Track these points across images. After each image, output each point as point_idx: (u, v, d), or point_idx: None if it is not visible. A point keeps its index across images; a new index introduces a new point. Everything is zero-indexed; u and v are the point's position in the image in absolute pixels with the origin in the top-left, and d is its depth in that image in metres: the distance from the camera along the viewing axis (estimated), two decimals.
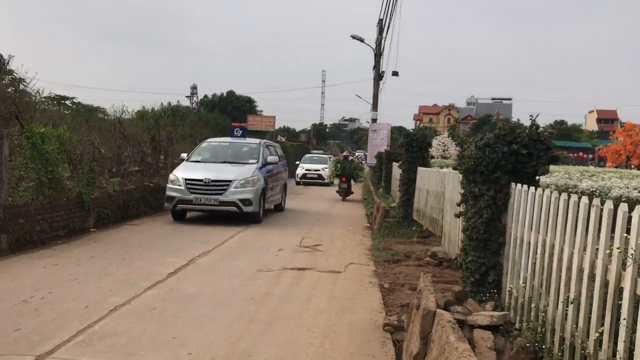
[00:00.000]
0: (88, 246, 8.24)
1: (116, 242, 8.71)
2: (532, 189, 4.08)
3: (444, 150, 41.12)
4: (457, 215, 5.49)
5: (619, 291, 2.81)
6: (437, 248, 7.93)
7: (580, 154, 65.80)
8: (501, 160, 4.50)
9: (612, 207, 2.96)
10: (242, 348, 4.24)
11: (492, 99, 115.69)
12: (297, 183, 26.70)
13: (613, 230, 2.87)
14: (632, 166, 46.74)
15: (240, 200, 10.96)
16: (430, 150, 12.77)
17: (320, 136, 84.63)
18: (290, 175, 27.90)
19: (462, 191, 5.00)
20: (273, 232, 10.50)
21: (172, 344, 4.27)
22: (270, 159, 12.80)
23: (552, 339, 3.49)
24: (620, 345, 2.70)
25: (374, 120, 26.82)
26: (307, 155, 32.80)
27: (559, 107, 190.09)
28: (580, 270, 3.24)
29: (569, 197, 3.46)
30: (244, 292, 5.90)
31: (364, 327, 4.95)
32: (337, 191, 19.42)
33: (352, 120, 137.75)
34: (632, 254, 2.64)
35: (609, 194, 11.96)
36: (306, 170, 27.38)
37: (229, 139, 14.25)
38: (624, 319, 2.67)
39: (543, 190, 3.89)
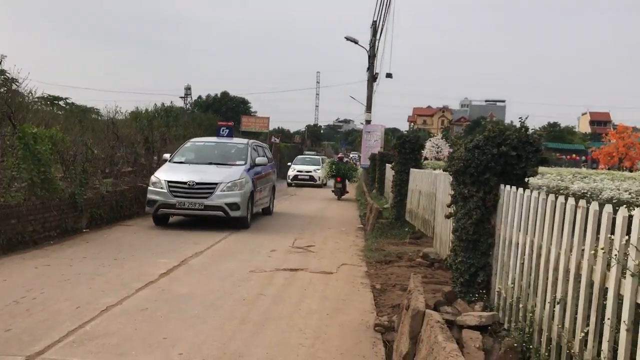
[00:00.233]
0: (80, 247, 8.24)
1: (109, 242, 8.70)
2: (520, 190, 4.12)
3: (437, 152, 41.29)
4: (447, 217, 5.54)
5: (604, 291, 2.85)
6: (429, 249, 7.97)
7: (573, 155, 66.16)
8: (490, 162, 4.54)
9: (598, 209, 3.00)
10: (233, 349, 4.26)
11: (486, 101, 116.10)
12: (289, 184, 26.54)
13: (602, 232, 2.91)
14: (624, 168, 47.05)
15: (227, 204, 10.36)
16: (423, 152, 12.81)
17: (315, 137, 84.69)
18: (285, 177, 27.95)
19: (452, 192, 5.04)
20: (263, 237, 10.50)
21: (163, 344, 4.28)
22: (258, 160, 12.17)
23: (540, 339, 3.53)
24: (605, 345, 2.74)
25: (368, 122, 26.84)
26: (299, 156, 32.53)
27: (553, 109, 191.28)
28: (567, 271, 3.28)
29: (556, 198, 3.50)
30: (235, 293, 5.92)
31: (355, 327, 4.98)
32: (333, 191, 20.70)
33: (346, 121, 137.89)
34: (615, 255, 2.68)
35: (600, 196, 12.05)
36: (297, 171, 27.22)
37: (214, 139, 13.41)
38: (608, 318, 2.71)
39: (531, 192, 3.94)
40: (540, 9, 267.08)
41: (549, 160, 4.96)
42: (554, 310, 3.37)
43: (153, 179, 10.72)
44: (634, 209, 2.62)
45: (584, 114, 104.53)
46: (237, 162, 11.58)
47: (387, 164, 16.70)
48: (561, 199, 3.43)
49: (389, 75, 28.55)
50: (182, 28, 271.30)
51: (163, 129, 16.94)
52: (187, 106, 65.87)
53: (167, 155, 12.08)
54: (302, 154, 35.56)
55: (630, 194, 12.11)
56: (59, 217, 8.92)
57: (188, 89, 69.63)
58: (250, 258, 7.92)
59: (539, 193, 3.82)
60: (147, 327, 4.66)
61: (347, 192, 21.09)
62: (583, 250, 3.10)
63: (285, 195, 20.95)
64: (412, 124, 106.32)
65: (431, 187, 8.81)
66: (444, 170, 5.85)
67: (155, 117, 17.32)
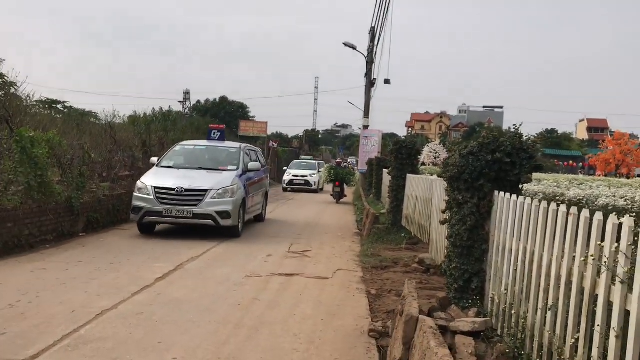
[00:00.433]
0: (76, 250, 8.24)
1: (105, 246, 8.71)
2: (514, 197, 4.15)
3: (435, 158, 41.31)
4: (442, 223, 5.56)
5: (595, 298, 2.87)
6: (425, 255, 7.99)
7: (571, 162, 66.34)
8: (485, 169, 4.57)
9: (589, 216, 3.03)
10: (227, 353, 4.28)
11: (484, 107, 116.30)
12: (284, 189, 26.23)
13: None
14: (619, 175, 47.19)
15: (218, 212, 9.74)
16: (419, 157, 12.85)
17: (313, 142, 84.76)
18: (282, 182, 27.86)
19: (447, 198, 5.06)
20: (259, 242, 10.50)
21: (158, 348, 4.29)
22: (251, 165, 11.53)
23: (532, 345, 3.55)
24: (595, 352, 2.76)
25: (366, 127, 26.91)
26: (295, 160, 31.96)
27: (550, 115, 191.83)
28: (558, 278, 3.31)
29: (549, 205, 3.53)
30: (230, 298, 5.93)
31: (349, 333, 4.99)
32: (332, 194, 21.44)
33: (344, 126, 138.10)
34: (605, 262, 2.71)
35: (595, 203, 12.09)
36: (293, 176, 26.71)
37: (205, 143, 12.70)
38: (598, 325, 2.74)
39: (524, 199, 3.96)
40: (538, 16, 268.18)
41: (543, 167, 4.99)
42: (545, 317, 3.39)
43: (139, 184, 10.16)
44: (625, 217, 2.65)
45: (581, 120, 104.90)
46: (229, 168, 11.01)
47: (384, 169, 16.74)
48: (553, 205, 3.46)
49: (387, 81, 28.67)
50: (182, 33, 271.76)
51: (161, 133, 16.99)
52: (186, 111, 65.94)
53: (154, 160, 11.55)
54: (299, 159, 35.29)
55: (626, 200, 12.15)
56: (55, 220, 8.93)
57: (187, 93, 69.75)
58: (246, 263, 7.93)
59: (532, 200, 3.85)
60: (142, 331, 4.67)
61: (345, 196, 21.87)
62: (574, 257, 3.12)
63: (283, 199, 20.99)
64: (410, 129, 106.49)
65: (427, 193, 8.84)
66: (438, 176, 5.88)
67: (153, 121, 17.36)
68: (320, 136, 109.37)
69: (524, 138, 4.76)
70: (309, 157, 38.07)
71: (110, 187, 11.63)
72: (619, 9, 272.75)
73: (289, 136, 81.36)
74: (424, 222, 9.15)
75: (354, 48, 26.21)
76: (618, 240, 2.67)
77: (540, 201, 3.71)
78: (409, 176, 11.04)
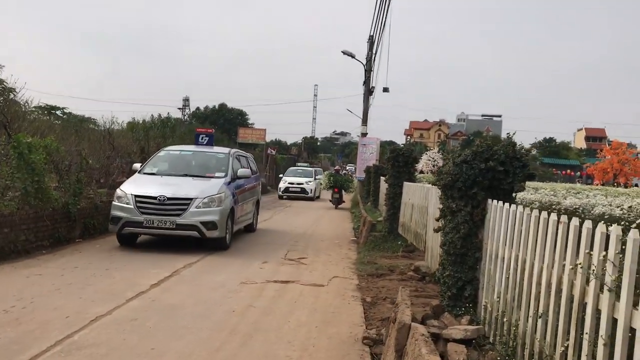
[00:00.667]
0: (73, 256, 8.24)
1: (101, 252, 8.71)
2: (507, 205, 4.17)
3: (433, 166, 41.36)
4: (436, 230, 5.58)
5: (584, 306, 2.90)
6: (421, 262, 8.00)
7: (568, 171, 66.50)
8: (478, 177, 4.60)
9: (578, 224, 3.06)
10: (220, 359, 4.28)
11: (482, 115, 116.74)
12: (280, 197, 25.86)
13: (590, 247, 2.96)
14: (616, 184, 47.29)
15: (203, 223, 9.02)
16: (416, 165, 12.88)
17: (312, 149, 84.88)
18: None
19: (441, 206, 5.09)
20: (256, 248, 10.50)
21: (151, 354, 4.30)
22: (241, 172, 10.81)
23: (523, 353, 3.57)
24: (584, 359, 2.78)
25: (364, 135, 27.00)
26: (291, 168, 31.37)
27: (549, 124, 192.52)
28: (549, 286, 3.33)
29: (540, 213, 3.56)
30: (225, 304, 5.93)
31: (343, 340, 5.00)
32: (330, 200, 22.41)
33: (343, 134, 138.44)
34: (593, 270, 2.73)
35: (591, 212, 12.10)
36: (289, 183, 26.28)
37: (192, 148, 11.88)
38: (587, 333, 2.76)
39: (516, 207, 3.99)
40: (537, 25, 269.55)
41: (536, 176, 5.02)
42: (536, 324, 3.41)
43: (118, 192, 9.42)
44: (611, 226, 2.68)
45: (579, 129, 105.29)
46: (216, 174, 10.27)
47: (381, 177, 16.77)
48: (544, 214, 3.49)
49: (385, 90, 28.82)
50: (181, 40, 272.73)
51: (159, 139, 17.03)
52: (185, 117, 66.02)
53: (137, 166, 10.76)
54: (295, 166, 34.97)
55: (622, 210, 12.17)
56: (52, 226, 8.94)
57: (186, 100, 69.87)
58: (242, 270, 7.94)
59: (523, 208, 3.87)
60: (135, 338, 4.68)
61: (344, 202, 22.82)
62: (564, 265, 3.15)
63: (280, 206, 21.01)
64: (409, 137, 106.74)
65: (423, 201, 8.87)
66: (432, 184, 5.91)
67: (151, 127, 17.41)
68: (319, 143, 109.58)
69: (518, 146, 4.80)
70: (305, 164, 37.64)
71: (107, 193, 11.61)
72: (618, 18, 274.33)
73: (288, 143, 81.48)
74: (420, 230, 9.17)
75: (352, 56, 26.32)
76: (607, 248, 2.70)
77: (531, 209, 3.74)
78: (406, 184, 11.07)
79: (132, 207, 9.02)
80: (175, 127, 22.12)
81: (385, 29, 40.05)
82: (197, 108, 72.84)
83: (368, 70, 26.26)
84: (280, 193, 26.19)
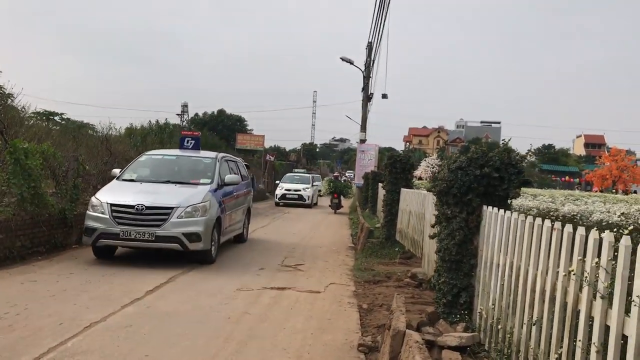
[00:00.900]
0: (69, 262, 8.21)
1: (97, 259, 8.67)
2: (501, 211, 4.17)
3: (432, 172, 41.37)
4: (431, 237, 5.57)
5: (577, 313, 2.88)
6: (418, 269, 7.98)
7: (567, 177, 66.56)
8: (473, 183, 4.60)
9: (571, 231, 3.05)
10: None
11: (481, 122, 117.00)
12: (277, 204, 25.49)
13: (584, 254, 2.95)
14: (614, 191, 47.33)
15: (185, 234, 8.25)
16: (414, 171, 12.89)
17: (311, 156, 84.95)
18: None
19: (436, 213, 5.08)
20: (254, 253, 10.47)
21: None
22: (229, 178, 9.96)
23: None
24: None
25: (363, 141, 27.02)
26: (288, 174, 30.84)
27: (548, 131, 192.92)
28: (543, 292, 3.31)
29: (534, 220, 3.55)
30: (221, 311, 5.91)
31: (338, 347, 4.97)
32: (330, 205, 23.71)
33: (342, 140, 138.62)
34: (586, 277, 2.72)
35: (590, 218, 12.10)
36: (286, 190, 25.77)
37: (176, 152, 10.99)
38: (580, 340, 2.74)
39: (511, 213, 3.98)
40: (536, 32, 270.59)
41: (531, 182, 5.02)
42: (530, 332, 3.39)
43: (93, 200, 8.59)
44: (605, 232, 2.67)
45: (578, 136, 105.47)
46: (202, 181, 9.46)
47: (379, 183, 16.78)
48: (538, 220, 3.48)
49: (384, 96, 28.87)
50: (181, 46, 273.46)
51: (157, 145, 17.03)
52: (184, 123, 66.03)
53: (116, 171, 9.92)
54: (292, 172, 34.62)
55: (619, 216, 12.17)
56: (48, 232, 8.91)
57: (185, 106, 69.86)
58: (238, 276, 7.91)
59: (518, 214, 3.87)
60: (129, 345, 4.65)
61: (342, 207, 24.07)
62: (558, 272, 3.14)
63: (279, 213, 20.99)
64: (408, 143, 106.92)
65: (420, 207, 8.86)
66: (427, 191, 5.90)
67: (149, 133, 17.42)
68: (318, 150, 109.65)
69: (513, 153, 4.80)
70: (303, 171, 37.24)
71: None
72: (616, 25, 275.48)
73: (287, 149, 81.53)
74: (417, 237, 9.16)
75: (351, 63, 26.38)
76: (600, 255, 2.69)
77: (526, 216, 3.73)
78: (403, 190, 11.07)
79: (107, 217, 8.23)
80: (173, 132, 22.14)
81: (384, 36, 40.23)
82: (196, 114, 72.78)
83: (366, 76, 26.31)
84: (277, 200, 25.73)
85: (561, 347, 2.98)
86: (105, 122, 26.25)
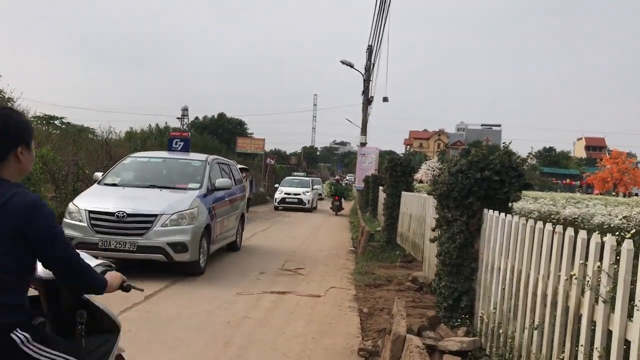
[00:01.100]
0: None
1: None
2: (502, 215, 4.14)
3: (432, 175, 41.35)
4: (432, 240, 5.55)
5: (579, 317, 2.86)
6: (418, 273, 7.95)
7: (568, 180, 66.54)
8: (474, 186, 4.58)
9: (573, 235, 3.02)
10: None
11: (482, 125, 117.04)
12: (276, 208, 24.96)
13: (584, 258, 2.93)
14: (615, 193, 47.30)
15: (170, 244, 7.60)
16: (414, 175, 12.87)
17: (311, 159, 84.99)
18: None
19: (437, 216, 5.06)
20: (252, 257, 10.44)
21: None
22: (220, 182, 9.22)
23: None
24: None
25: (363, 144, 27.01)
26: (287, 177, 30.16)
27: (548, 134, 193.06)
28: (544, 297, 3.29)
29: (535, 223, 3.53)
30: (221, 316, 5.88)
31: (339, 351, 4.95)
32: (331, 207, 24.56)
33: (343, 143, 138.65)
34: (588, 281, 2.70)
35: (591, 221, 12.07)
36: (285, 194, 25.17)
37: (163, 154, 10.23)
38: (582, 345, 2.71)
39: (512, 216, 3.96)
40: (536, 34, 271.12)
41: (532, 185, 5.00)
42: (532, 336, 3.36)
43: (70, 207, 7.92)
44: (607, 235, 2.65)
45: (579, 139, 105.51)
46: (190, 185, 8.76)
47: (380, 187, 16.75)
48: (539, 224, 3.46)
49: (385, 99, 28.85)
50: (181, 50, 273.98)
51: (157, 148, 17.01)
52: (184, 127, 66.07)
53: (98, 175, 9.25)
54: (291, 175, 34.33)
55: (621, 219, 12.13)
56: None
57: (185, 110, 69.93)
58: (238, 280, 7.88)
59: (519, 218, 3.84)
60: (129, 350, 4.54)
61: (343, 209, 24.87)
62: (560, 276, 3.11)
63: (279, 216, 20.96)
64: (409, 146, 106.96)
65: (421, 211, 8.84)
66: (428, 194, 5.88)
67: (149, 137, 17.41)
68: (318, 153, 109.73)
69: (514, 156, 4.78)
70: (302, 174, 36.93)
71: None
72: (618, 27, 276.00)
73: (287, 153, 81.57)
74: (418, 240, 9.13)
75: (351, 66, 26.40)
76: (602, 259, 2.67)
77: (527, 219, 3.71)
78: (404, 194, 11.04)
79: (85, 225, 7.57)
80: None
81: (384, 39, 40.29)
82: (196, 118, 72.87)
83: (367, 79, 26.33)
84: (276, 204, 25.16)
85: (563, 352, 2.95)
86: (105, 126, 26.29)
